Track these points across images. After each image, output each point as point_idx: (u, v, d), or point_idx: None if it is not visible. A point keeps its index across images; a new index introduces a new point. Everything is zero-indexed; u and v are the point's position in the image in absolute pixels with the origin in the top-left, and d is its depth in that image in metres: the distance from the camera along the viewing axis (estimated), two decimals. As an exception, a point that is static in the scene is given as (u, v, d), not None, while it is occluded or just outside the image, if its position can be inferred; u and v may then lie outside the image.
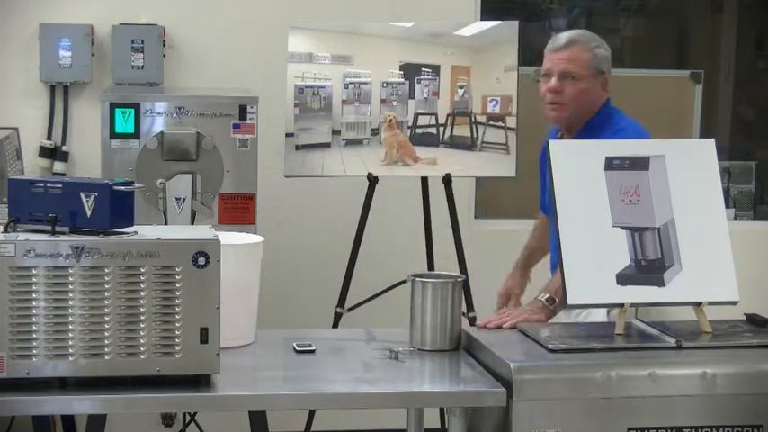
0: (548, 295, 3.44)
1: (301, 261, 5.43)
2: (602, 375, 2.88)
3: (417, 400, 3.08)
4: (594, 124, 3.71)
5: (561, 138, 3.77)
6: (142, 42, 5.20)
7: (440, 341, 3.24)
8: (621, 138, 3.55)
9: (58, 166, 5.24)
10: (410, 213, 4.99)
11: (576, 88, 3.66)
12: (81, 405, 2.83)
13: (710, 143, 3.31)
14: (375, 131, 4.86)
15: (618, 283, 3.11)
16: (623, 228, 3.15)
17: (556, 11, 6.82)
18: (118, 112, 4.42)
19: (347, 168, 4.85)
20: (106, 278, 2.75)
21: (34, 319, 2.73)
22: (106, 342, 2.76)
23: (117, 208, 2.82)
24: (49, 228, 2.79)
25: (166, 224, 4.29)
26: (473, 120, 4.78)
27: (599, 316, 3.49)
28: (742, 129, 6.96)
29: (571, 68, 3.65)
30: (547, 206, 3.88)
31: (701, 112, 6.15)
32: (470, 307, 4.67)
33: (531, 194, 4.17)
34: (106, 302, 2.76)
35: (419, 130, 4.83)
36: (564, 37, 3.70)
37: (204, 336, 2.79)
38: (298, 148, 4.82)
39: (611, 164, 3.18)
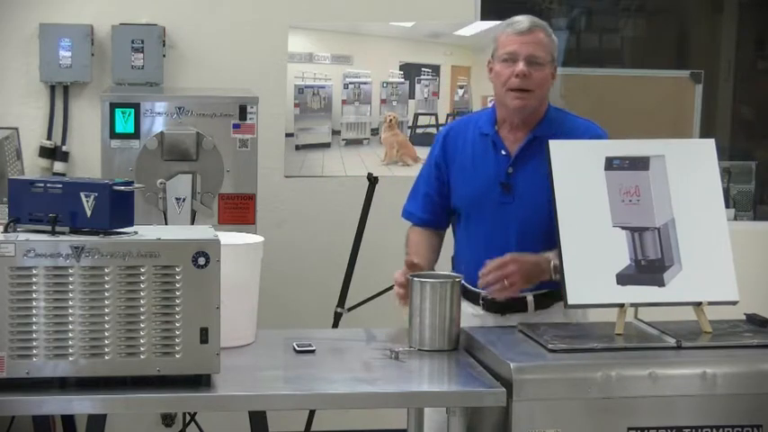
0: (555, 262, 3.29)
1: (301, 261, 5.43)
2: (602, 375, 2.88)
3: (417, 400, 3.08)
4: (556, 123, 3.54)
5: (497, 132, 3.55)
6: (142, 42, 5.20)
7: (439, 341, 3.24)
8: None
9: (58, 166, 5.23)
10: (410, 213, 4.99)
11: (542, 74, 3.47)
12: (81, 405, 2.83)
13: (710, 143, 3.31)
14: (375, 131, 4.87)
15: (618, 283, 3.11)
16: (623, 228, 3.15)
17: (556, 11, 6.82)
18: (118, 112, 4.42)
19: (347, 168, 4.85)
20: (106, 278, 2.75)
21: (34, 319, 2.73)
22: (106, 342, 2.76)
23: (117, 208, 2.81)
24: (49, 228, 2.79)
25: (166, 224, 4.29)
26: (473, 120, 4.78)
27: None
28: (742, 129, 6.96)
29: (539, 53, 3.45)
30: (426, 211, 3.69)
31: (701, 112, 6.15)
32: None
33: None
34: (106, 302, 2.75)
35: (419, 130, 4.84)
36: (525, 20, 3.49)
37: (204, 336, 2.79)
38: (298, 148, 4.82)
39: (611, 164, 3.18)
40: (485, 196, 3.55)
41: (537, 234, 3.47)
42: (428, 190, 3.69)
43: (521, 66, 3.44)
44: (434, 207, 3.69)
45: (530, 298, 3.53)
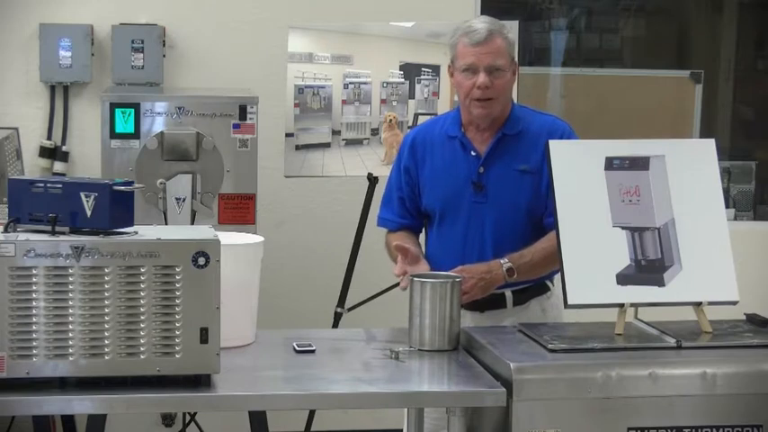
0: (509, 264, 3.44)
1: (301, 261, 5.43)
2: (602, 375, 2.88)
3: (417, 400, 3.08)
4: (523, 120, 3.58)
5: (464, 134, 3.59)
6: (142, 42, 5.20)
7: (439, 341, 3.24)
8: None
9: (58, 166, 5.24)
10: (410, 213, 4.99)
11: (503, 80, 3.50)
12: (81, 405, 2.83)
13: (710, 143, 3.31)
14: (375, 131, 4.87)
15: (618, 283, 3.11)
16: (623, 228, 3.15)
17: (556, 11, 6.82)
18: (118, 112, 4.42)
19: (347, 168, 4.85)
20: (106, 278, 2.75)
21: (34, 319, 2.73)
22: (106, 342, 2.76)
23: (117, 208, 2.81)
24: (49, 228, 2.79)
25: (166, 224, 4.29)
26: (473, 120, 4.78)
27: None
28: (742, 129, 6.95)
29: (498, 61, 3.48)
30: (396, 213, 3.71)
31: (701, 112, 6.15)
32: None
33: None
34: (106, 302, 2.75)
35: (419, 130, 4.83)
36: (481, 29, 3.49)
37: (204, 336, 2.79)
38: (298, 148, 4.82)
39: (611, 164, 3.18)
40: (458, 197, 3.58)
41: (512, 233, 3.53)
42: (401, 195, 3.72)
43: (482, 78, 3.47)
44: (410, 211, 3.72)
45: (508, 294, 3.58)
